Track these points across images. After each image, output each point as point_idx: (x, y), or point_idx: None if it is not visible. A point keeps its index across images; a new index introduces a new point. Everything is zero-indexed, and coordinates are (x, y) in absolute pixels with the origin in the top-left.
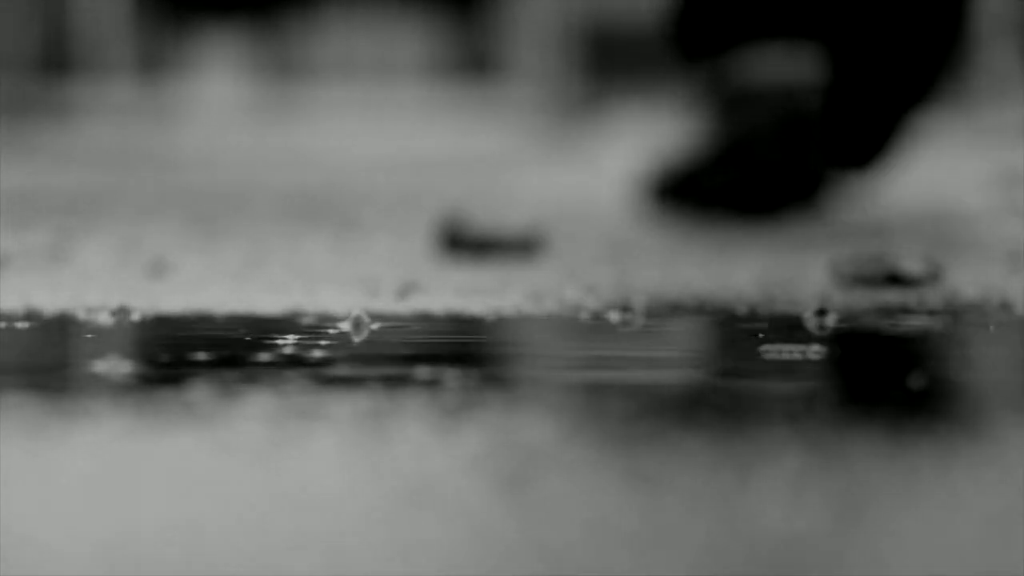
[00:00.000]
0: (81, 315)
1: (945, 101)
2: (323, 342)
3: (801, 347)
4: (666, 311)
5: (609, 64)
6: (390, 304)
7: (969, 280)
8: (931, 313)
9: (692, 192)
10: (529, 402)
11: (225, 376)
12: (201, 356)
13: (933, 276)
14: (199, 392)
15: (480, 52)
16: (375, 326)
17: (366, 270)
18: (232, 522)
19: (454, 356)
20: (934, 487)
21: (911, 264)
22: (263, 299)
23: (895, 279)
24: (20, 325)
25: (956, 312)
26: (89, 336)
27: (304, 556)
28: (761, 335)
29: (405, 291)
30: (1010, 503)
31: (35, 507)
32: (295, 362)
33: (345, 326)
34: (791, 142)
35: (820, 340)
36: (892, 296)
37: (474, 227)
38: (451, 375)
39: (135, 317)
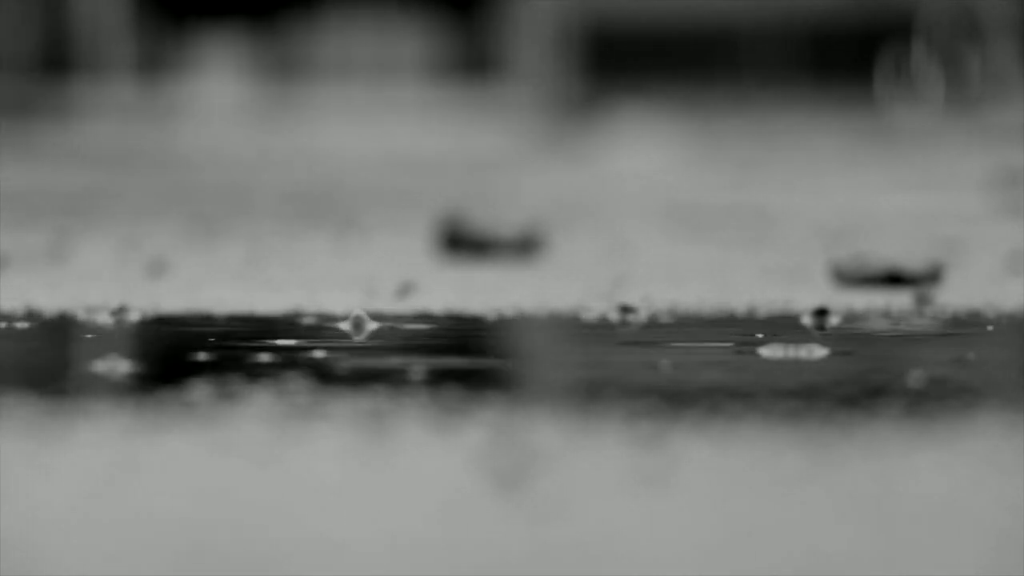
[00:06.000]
0: (81, 315)
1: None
2: (323, 342)
3: (801, 347)
4: (666, 311)
5: (609, 64)
6: (390, 304)
7: (968, 280)
8: (931, 313)
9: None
10: (529, 402)
11: (225, 376)
12: (201, 356)
13: (933, 276)
14: (199, 392)
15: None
16: (375, 326)
17: (366, 270)
18: (232, 521)
19: (453, 356)
20: (933, 486)
21: (911, 264)
22: (263, 299)
23: (895, 279)
24: (20, 325)
25: (955, 312)
26: (89, 336)
27: (304, 555)
28: (761, 335)
29: (405, 291)
30: (1009, 503)
31: (35, 506)
32: (295, 362)
33: (345, 326)
34: None
35: (820, 340)
36: (892, 296)
37: (474, 227)
38: (450, 375)
39: (135, 317)
